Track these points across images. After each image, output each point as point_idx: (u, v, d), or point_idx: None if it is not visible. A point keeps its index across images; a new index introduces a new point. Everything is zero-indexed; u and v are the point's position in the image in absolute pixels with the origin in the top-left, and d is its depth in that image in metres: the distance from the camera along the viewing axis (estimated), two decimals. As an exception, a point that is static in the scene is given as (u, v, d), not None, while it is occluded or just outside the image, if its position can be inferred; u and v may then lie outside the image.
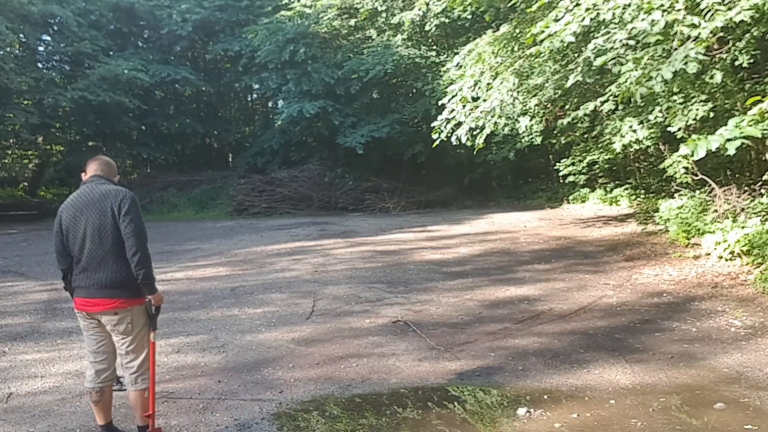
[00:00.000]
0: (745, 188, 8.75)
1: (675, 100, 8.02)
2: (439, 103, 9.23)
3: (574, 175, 14.44)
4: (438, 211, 18.42)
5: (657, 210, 10.43)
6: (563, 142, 13.54)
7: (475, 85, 8.44)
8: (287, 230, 14.21)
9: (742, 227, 7.44)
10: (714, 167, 9.79)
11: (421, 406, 3.94)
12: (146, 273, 3.25)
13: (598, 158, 12.72)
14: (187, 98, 27.15)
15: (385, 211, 18.69)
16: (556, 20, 6.07)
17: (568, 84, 7.21)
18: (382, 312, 6.34)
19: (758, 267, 6.75)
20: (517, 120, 10.56)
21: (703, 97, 7.74)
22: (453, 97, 8.55)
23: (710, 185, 9.22)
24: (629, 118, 8.79)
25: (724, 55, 6.94)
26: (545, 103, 10.34)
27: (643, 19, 5.46)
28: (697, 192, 9.63)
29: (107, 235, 3.24)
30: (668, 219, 9.42)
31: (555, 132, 12.97)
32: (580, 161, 13.58)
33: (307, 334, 5.65)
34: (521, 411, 3.74)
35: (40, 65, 22.91)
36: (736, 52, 6.75)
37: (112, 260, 3.24)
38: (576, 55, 8.00)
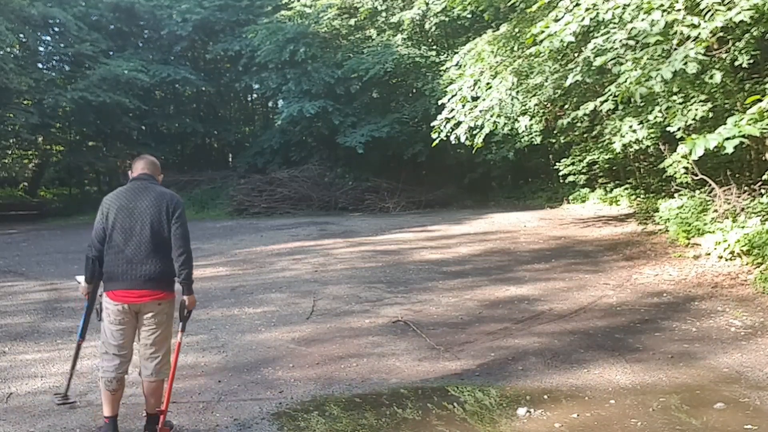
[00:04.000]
0: (745, 188, 8.74)
1: (675, 100, 8.01)
2: (439, 102, 9.24)
3: (574, 174, 14.42)
4: (438, 211, 18.42)
5: (657, 210, 10.43)
6: (563, 141, 13.52)
7: (475, 84, 8.44)
8: (287, 230, 14.21)
9: (742, 227, 7.44)
10: (714, 167, 9.78)
11: (421, 406, 3.94)
12: (189, 273, 3.49)
13: (598, 158, 12.70)
14: (187, 98, 27.12)
15: (385, 211, 18.67)
16: (556, 20, 6.07)
17: (567, 83, 7.21)
18: (382, 312, 6.34)
19: (758, 267, 6.75)
20: (516, 119, 10.56)
21: (703, 97, 7.73)
22: (453, 96, 8.56)
23: (710, 185, 9.21)
24: (629, 118, 8.79)
25: (724, 55, 6.94)
26: (545, 103, 10.35)
27: (642, 19, 5.46)
28: (697, 192, 9.62)
29: (159, 232, 3.45)
30: (668, 219, 9.42)
31: (555, 132, 12.96)
32: (580, 161, 13.56)
33: (307, 334, 5.65)
34: (521, 411, 3.74)
35: (40, 65, 22.87)
36: (736, 52, 6.75)
37: (160, 255, 3.45)
38: (576, 54, 8.00)
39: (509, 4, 9.31)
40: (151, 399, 3.53)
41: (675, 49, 5.72)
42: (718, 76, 6.05)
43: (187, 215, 3.58)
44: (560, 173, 14.78)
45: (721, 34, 6.28)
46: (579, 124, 11.35)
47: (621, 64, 6.38)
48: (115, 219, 3.46)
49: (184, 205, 3.60)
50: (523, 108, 10.11)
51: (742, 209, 8.21)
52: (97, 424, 3.66)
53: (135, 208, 3.46)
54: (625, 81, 6.06)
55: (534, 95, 9.57)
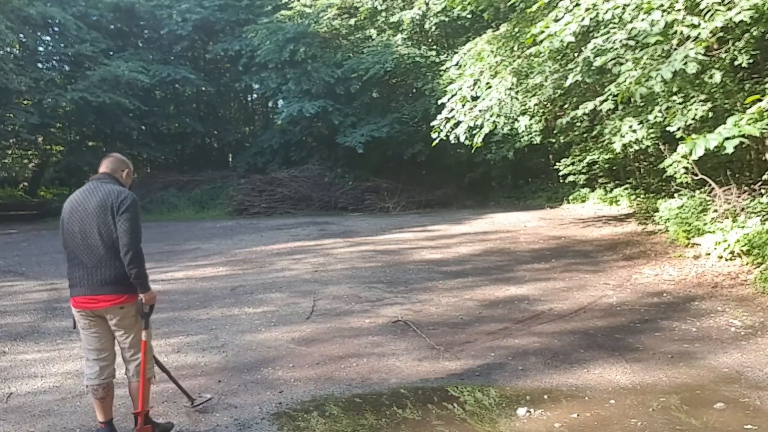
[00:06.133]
0: (745, 188, 8.74)
1: (675, 100, 8.01)
2: (439, 102, 9.24)
3: (574, 174, 14.41)
4: (438, 210, 18.42)
5: (657, 210, 10.42)
6: (563, 141, 13.51)
7: (475, 84, 8.45)
8: (287, 230, 14.20)
9: (742, 227, 7.44)
10: (714, 167, 9.78)
11: (421, 406, 3.95)
12: (138, 272, 3.31)
13: (598, 158, 12.69)
14: (187, 98, 27.12)
15: (385, 211, 18.68)
16: (556, 20, 6.08)
17: (567, 83, 7.21)
18: (381, 312, 6.34)
19: (758, 267, 6.75)
20: (516, 119, 10.56)
21: (703, 97, 7.73)
22: (452, 96, 8.56)
23: (710, 185, 9.21)
24: (629, 118, 8.78)
25: (724, 55, 6.95)
26: (545, 103, 10.34)
27: (642, 19, 5.46)
28: (697, 192, 9.62)
29: (108, 234, 3.29)
30: (668, 219, 9.42)
31: (554, 131, 12.96)
32: (580, 161, 13.55)
33: (307, 333, 5.65)
34: (521, 411, 3.74)
35: (40, 65, 22.89)
36: (736, 52, 6.75)
37: (115, 257, 3.30)
38: (576, 54, 8.00)
39: (509, 4, 9.31)
40: (138, 400, 3.50)
41: (675, 49, 5.72)
42: (718, 76, 6.06)
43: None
44: (560, 173, 14.77)
45: (721, 34, 6.28)
46: (579, 124, 11.36)
47: (621, 64, 6.38)
48: (68, 225, 3.36)
49: (135, 200, 3.37)
50: (523, 108, 10.11)
51: (742, 209, 8.21)
52: (97, 425, 3.66)
53: (84, 211, 3.33)
54: (625, 81, 6.07)
55: (534, 95, 9.57)
